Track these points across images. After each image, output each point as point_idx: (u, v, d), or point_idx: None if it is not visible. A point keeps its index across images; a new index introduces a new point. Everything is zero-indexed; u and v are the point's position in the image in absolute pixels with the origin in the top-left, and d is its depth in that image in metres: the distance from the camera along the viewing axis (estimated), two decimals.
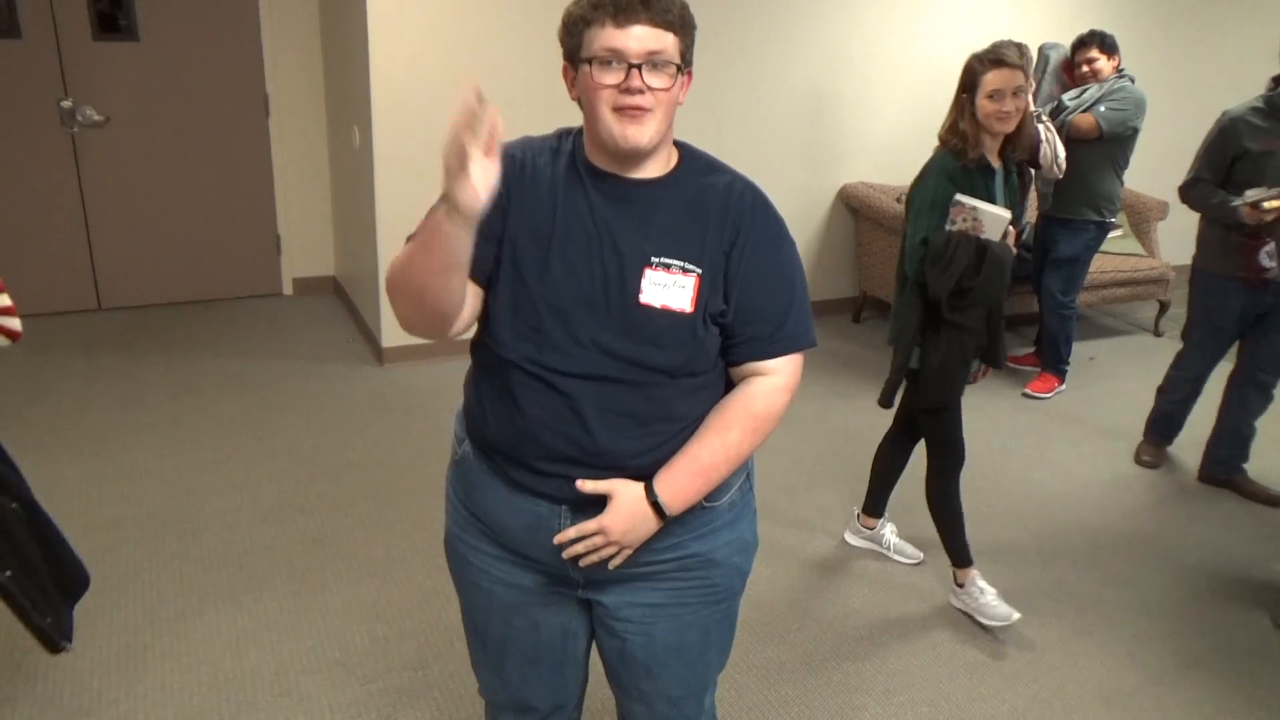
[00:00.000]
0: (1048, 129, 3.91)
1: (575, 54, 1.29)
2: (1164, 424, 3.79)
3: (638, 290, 1.29)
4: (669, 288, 1.30)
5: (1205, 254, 3.44)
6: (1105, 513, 3.40)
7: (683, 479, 1.34)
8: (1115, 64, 4.09)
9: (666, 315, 1.30)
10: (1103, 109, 4.01)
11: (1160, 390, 3.77)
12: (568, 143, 1.37)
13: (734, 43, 4.55)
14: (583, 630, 1.55)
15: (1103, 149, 4.06)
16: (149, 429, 3.53)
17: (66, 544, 1.92)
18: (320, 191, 4.92)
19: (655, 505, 1.33)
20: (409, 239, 1.27)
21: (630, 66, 1.24)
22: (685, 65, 1.30)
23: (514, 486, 1.39)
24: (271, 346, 4.36)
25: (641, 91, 1.24)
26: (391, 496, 3.19)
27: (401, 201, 4.04)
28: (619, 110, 1.25)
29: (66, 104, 4.31)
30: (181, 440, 3.47)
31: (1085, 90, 4.10)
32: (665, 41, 1.25)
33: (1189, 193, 3.38)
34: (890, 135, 5.10)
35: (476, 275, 1.30)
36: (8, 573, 1.69)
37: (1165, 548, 3.22)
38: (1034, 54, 4.10)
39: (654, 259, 1.30)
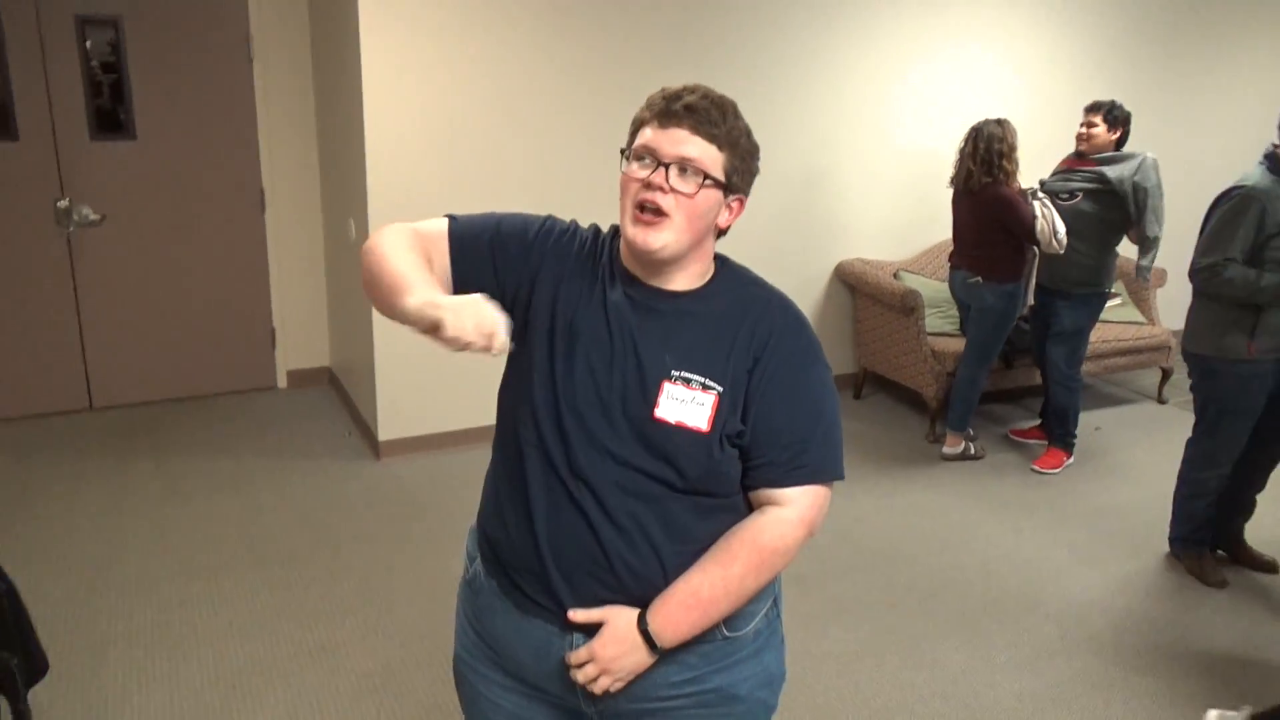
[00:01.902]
0: (1044, 205, 3.91)
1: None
2: (1208, 528, 3.44)
3: (654, 404, 1.26)
4: (687, 404, 1.26)
5: (1224, 341, 3.14)
6: (1127, 594, 3.30)
7: (678, 612, 1.27)
8: (1113, 137, 4.02)
9: (682, 432, 1.26)
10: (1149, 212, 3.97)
11: (1193, 496, 3.39)
12: (607, 243, 1.36)
13: None
14: None
15: (1107, 227, 4.02)
16: (137, 537, 3.43)
17: (33, 628, 1.93)
18: (315, 283, 4.90)
19: (646, 635, 1.26)
20: (400, 241, 1.27)
21: (660, 164, 1.24)
22: (730, 188, 1.28)
23: (524, 609, 1.33)
24: (265, 443, 4.28)
25: (662, 190, 1.23)
26: (390, 603, 3.08)
27: None
28: (639, 208, 1.25)
29: (63, 204, 4.30)
30: (171, 549, 3.36)
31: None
32: (703, 151, 1.24)
33: (1216, 278, 3.08)
34: (886, 211, 5.12)
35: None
36: (15, 660, 1.70)
37: (1189, 630, 3.11)
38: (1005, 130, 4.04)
39: (674, 373, 1.27)
